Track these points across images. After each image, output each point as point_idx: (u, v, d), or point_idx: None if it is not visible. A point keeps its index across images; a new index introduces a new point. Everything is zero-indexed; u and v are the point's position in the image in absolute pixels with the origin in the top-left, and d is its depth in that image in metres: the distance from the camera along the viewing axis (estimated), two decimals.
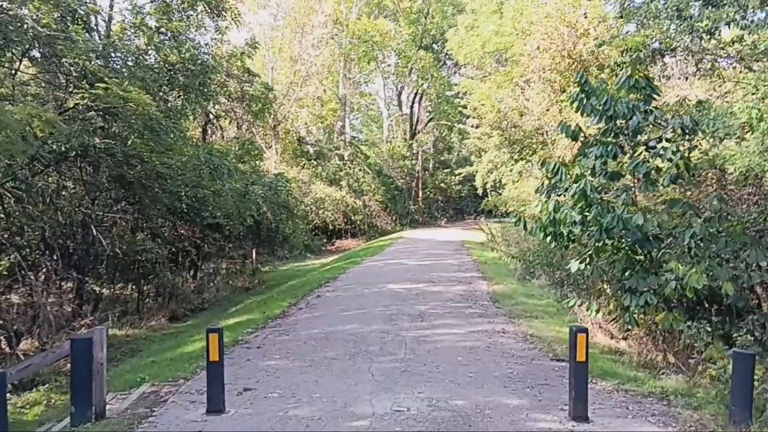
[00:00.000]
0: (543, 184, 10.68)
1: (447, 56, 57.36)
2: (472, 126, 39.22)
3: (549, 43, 23.89)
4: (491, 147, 35.44)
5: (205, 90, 17.51)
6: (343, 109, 50.69)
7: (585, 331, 6.52)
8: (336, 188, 42.78)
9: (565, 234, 9.73)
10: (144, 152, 13.73)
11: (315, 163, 45.92)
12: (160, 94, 16.19)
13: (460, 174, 53.43)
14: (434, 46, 55.54)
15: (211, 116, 30.98)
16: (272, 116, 41.31)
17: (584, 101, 9.75)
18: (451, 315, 12.74)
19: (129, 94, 12.99)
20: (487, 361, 8.95)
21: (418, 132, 58.59)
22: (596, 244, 9.67)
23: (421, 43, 53.10)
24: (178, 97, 17.51)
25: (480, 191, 38.58)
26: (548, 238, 9.70)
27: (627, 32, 17.20)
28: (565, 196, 10.08)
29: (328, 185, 42.80)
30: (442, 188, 57.46)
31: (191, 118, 20.11)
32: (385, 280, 17.91)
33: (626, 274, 9.35)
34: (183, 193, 15.12)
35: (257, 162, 26.59)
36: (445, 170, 58.39)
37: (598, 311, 10.36)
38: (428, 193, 55.61)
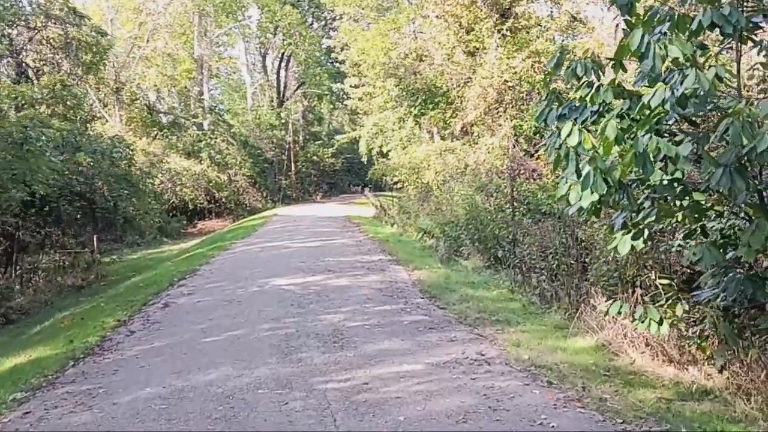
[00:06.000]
0: (551, 101, 5.95)
1: (316, 16, 52.38)
2: (351, 86, 34.54)
3: None
4: (375, 108, 30.97)
5: None
6: (200, 73, 44.22)
7: None
8: (195, 161, 36.64)
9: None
10: None
11: (169, 133, 39.35)
12: None
13: (334, 146, 48.74)
14: (301, 3, 50.00)
15: (27, 68, 24.28)
16: (115, 78, 34.69)
17: None
18: (384, 330, 7.88)
19: None
20: None
21: (287, 99, 53.06)
22: (678, 201, 5.20)
23: None
24: None
25: (365, 159, 34.03)
26: (604, 192, 4.99)
27: None
28: (602, 118, 5.43)
29: (186, 158, 36.59)
30: (315, 161, 52.71)
31: None
32: (267, 273, 12.75)
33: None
34: None
35: (78, 118, 20.24)
36: (317, 142, 53.49)
37: (660, 323, 5.84)
38: (300, 167, 50.45)
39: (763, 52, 5.77)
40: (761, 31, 5.44)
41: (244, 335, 7.83)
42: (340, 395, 5.47)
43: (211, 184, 36.36)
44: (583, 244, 9.35)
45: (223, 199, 37.35)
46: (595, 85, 5.50)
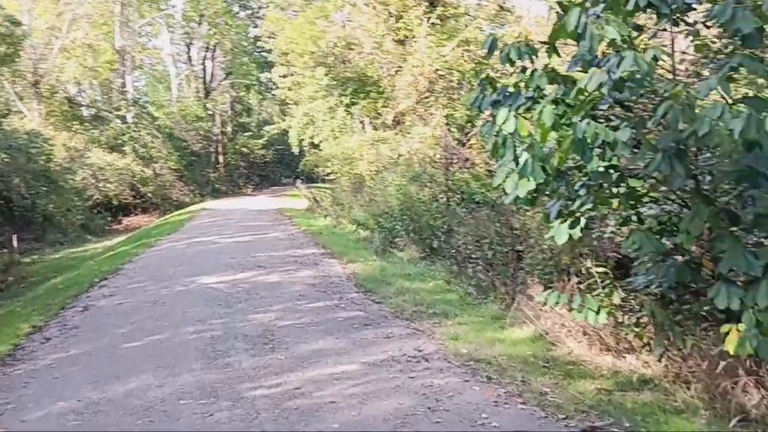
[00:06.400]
0: (484, 87, 5.72)
1: (242, 4, 51.11)
2: (280, 76, 33.83)
3: None
4: (305, 98, 30.41)
5: None
6: (122, 64, 42.45)
7: None
8: (119, 155, 35.23)
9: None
10: None
11: (91, 126, 37.69)
12: None
13: (264, 137, 47.81)
14: None
15: None
16: (32, 71, 32.98)
17: None
18: (318, 329, 7.58)
19: None
20: None
21: (214, 90, 51.63)
22: (614, 188, 5.11)
23: None
24: None
25: (296, 150, 33.37)
26: (541, 181, 4.83)
27: None
28: (537, 104, 5.26)
29: (109, 152, 35.13)
30: (245, 153, 51.46)
31: None
32: (193, 270, 12.22)
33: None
34: None
35: None
36: (246, 134, 52.29)
37: (598, 312, 5.78)
38: (229, 159, 49.26)
39: (690, 37, 5.71)
40: (693, 12, 5.37)
41: (168, 339, 7.38)
42: (270, 403, 5.14)
43: (135, 179, 35.10)
44: (517, 232, 9.25)
45: (149, 194, 36.09)
46: (529, 71, 5.35)
